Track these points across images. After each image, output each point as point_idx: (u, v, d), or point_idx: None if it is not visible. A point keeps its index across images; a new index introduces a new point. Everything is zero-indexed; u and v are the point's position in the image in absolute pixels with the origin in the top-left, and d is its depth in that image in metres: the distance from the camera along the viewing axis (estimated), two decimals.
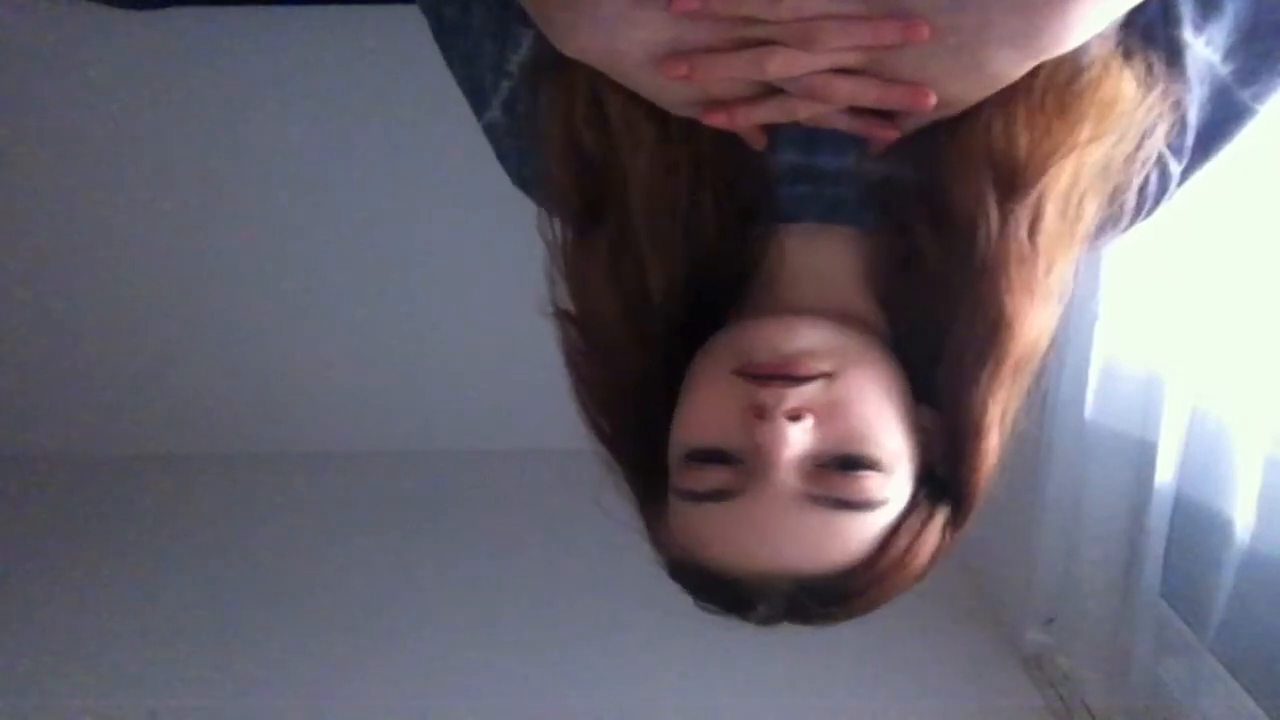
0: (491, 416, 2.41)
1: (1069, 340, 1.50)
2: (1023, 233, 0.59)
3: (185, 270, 2.39)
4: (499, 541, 2.15)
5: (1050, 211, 0.59)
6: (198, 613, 1.93)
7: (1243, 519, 1.27)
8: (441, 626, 1.89)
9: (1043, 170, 0.58)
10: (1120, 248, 1.40)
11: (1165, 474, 1.42)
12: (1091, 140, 0.58)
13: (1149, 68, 0.58)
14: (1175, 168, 0.64)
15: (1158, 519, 1.44)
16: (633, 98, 0.59)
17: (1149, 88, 0.58)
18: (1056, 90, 0.56)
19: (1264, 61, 0.60)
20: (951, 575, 1.93)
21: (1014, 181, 0.58)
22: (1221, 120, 0.62)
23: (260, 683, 1.74)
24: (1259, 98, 0.61)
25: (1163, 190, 0.65)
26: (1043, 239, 0.59)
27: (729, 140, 0.61)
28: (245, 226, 2.36)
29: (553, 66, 0.61)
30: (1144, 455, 1.45)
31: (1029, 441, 1.75)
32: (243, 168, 2.31)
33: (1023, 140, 0.57)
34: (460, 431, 2.44)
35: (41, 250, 2.36)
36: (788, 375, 0.58)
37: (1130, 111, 0.58)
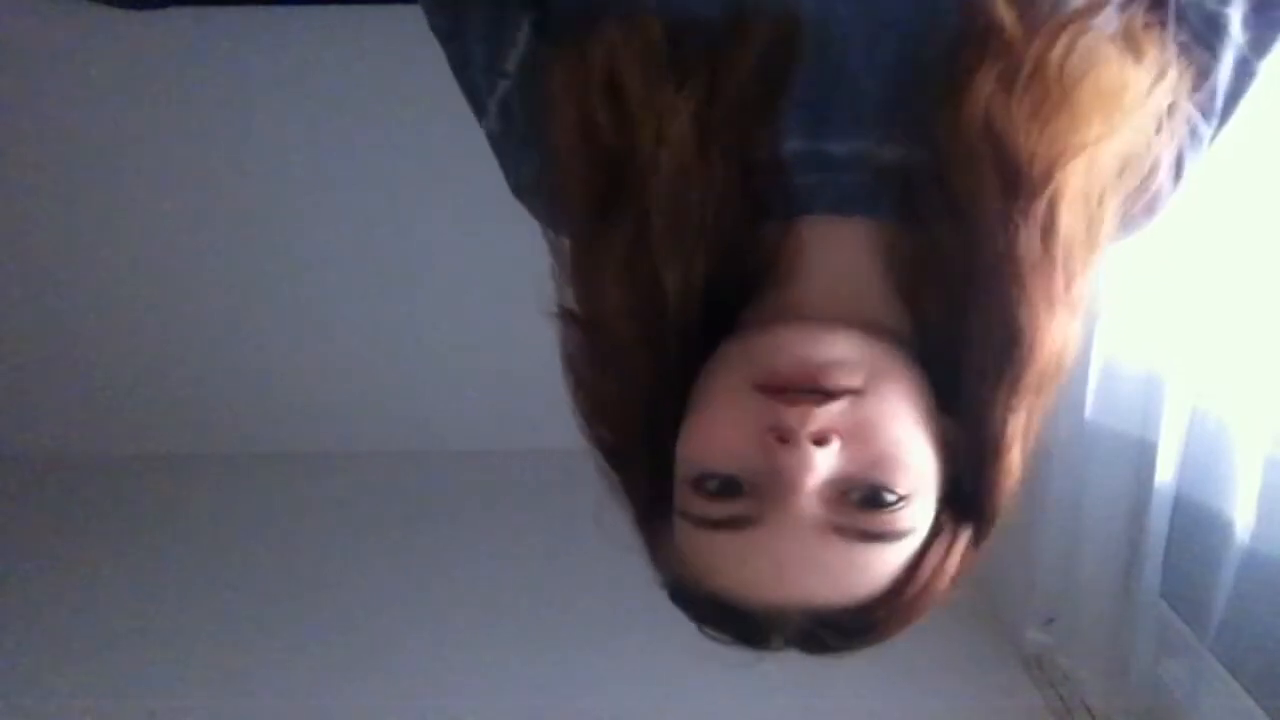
0: (491, 416, 2.41)
1: None
2: (1035, 241, 0.55)
3: (185, 270, 2.39)
4: (499, 541, 2.15)
5: (1065, 217, 0.56)
6: (198, 613, 1.93)
7: (1243, 519, 1.27)
8: (441, 626, 1.88)
9: (1050, 173, 0.55)
10: (1120, 247, 1.39)
11: (1165, 474, 1.42)
12: (1102, 137, 0.55)
13: (1164, 42, 0.57)
14: (1206, 130, 0.62)
15: (1158, 519, 1.44)
16: (657, 79, 0.56)
17: (1163, 68, 0.56)
18: (1053, 84, 0.54)
19: (1274, 29, 0.60)
20: None
21: (1019, 186, 0.55)
22: (1239, 87, 0.62)
23: (260, 683, 1.74)
24: (1264, 63, 0.62)
25: (1196, 159, 0.62)
26: (1059, 246, 0.56)
27: (747, 126, 0.58)
28: (245, 226, 2.36)
29: (562, 49, 0.58)
30: (1144, 455, 1.45)
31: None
32: (242, 168, 2.31)
33: (1023, 143, 0.54)
34: (460, 431, 2.44)
35: (41, 250, 2.36)
36: (815, 390, 0.53)
37: (1139, 100, 0.56)
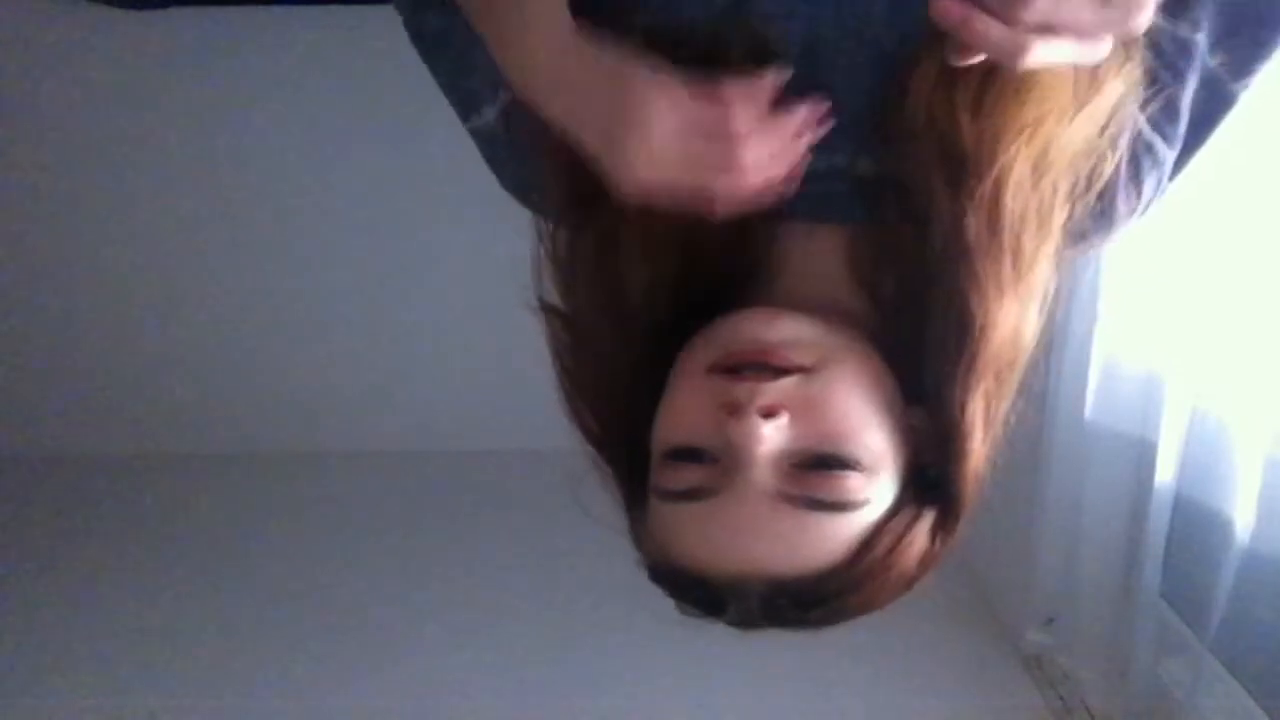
0: (491, 416, 2.41)
1: (1069, 340, 1.50)
2: (982, 225, 0.57)
3: (185, 270, 2.39)
4: (498, 541, 2.15)
5: (1011, 200, 0.57)
6: (198, 613, 1.93)
7: (1243, 519, 1.27)
8: (441, 626, 1.89)
9: (993, 155, 0.57)
10: (1120, 248, 1.40)
11: (1165, 474, 1.42)
12: (1042, 119, 0.56)
13: (1120, 54, 0.57)
14: (1168, 154, 0.62)
15: (1158, 519, 1.44)
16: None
17: (1113, 71, 0.57)
18: (995, 76, 0.55)
19: (1257, 51, 0.60)
20: (951, 575, 1.93)
21: (964, 170, 0.57)
22: (1213, 110, 0.62)
23: (261, 683, 1.74)
24: (1247, 87, 0.61)
25: (1157, 181, 0.63)
26: (1007, 230, 0.58)
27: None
28: (245, 226, 2.36)
29: None
30: (1144, 455, 1.45)
31: (1029, 441, 1.75)
32: (242, 168, 2.31)
33: (966, 127, 0.56)
34: (460, 431, 2.44)
35: (41, 250, 2.36)
36: (763, 365, 0.57)
37: (1083, 92, 0.57)
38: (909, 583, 0.62)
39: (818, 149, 0.62)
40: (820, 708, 1.66)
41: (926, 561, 0.62)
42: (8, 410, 2.45)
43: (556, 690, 1.72)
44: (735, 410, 0.56)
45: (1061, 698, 1.66)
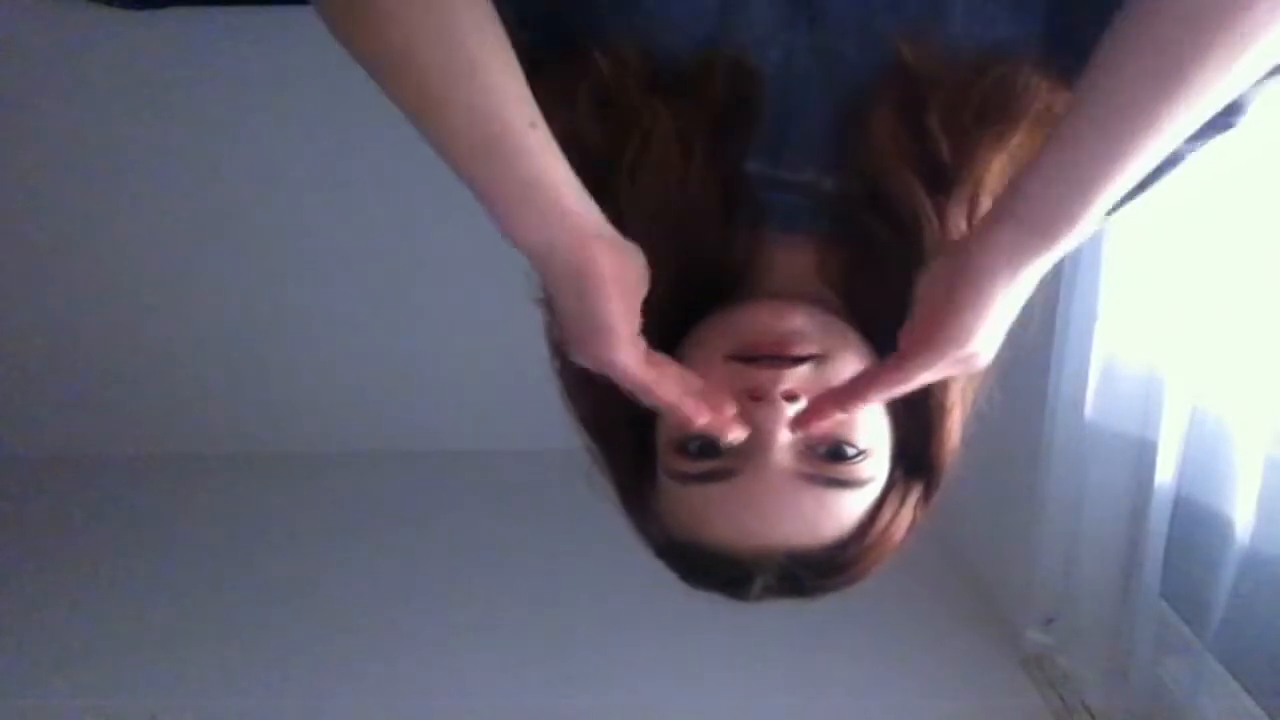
0: (491, 416, 2.41)
1: (1069, 340, 1.50)
2: (962, 223, 0.63)
3: (185, 270, 2.39)
4: (499, 541, 2.15)
5: (986, 204, 0.62)
6: (198, 613, 1.93)
7: (1243, 519, 1.27)
8: (441, 626, 1.89)
9: (971, 166, 0.62)
10: (1120, 247, 1.40)
11: (1165, 474, 1.42)
12: (1017, 142, 0.61)
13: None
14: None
15: (1158, 519, 1.44)
16: (642, 96, 0.61)
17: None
18: (967, 99, 0.60)
19: (1219, 123, 0.61)
20: (951, 575, 1.93)
21: (943, 178, 0.62)
22: (1161, 166, 0.64)
23: (260, 683, 1.74)
24: (1194, 149, 0.64)
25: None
26: None
27: (720, 144, 0.64)
28: (245, 227, 2.37)
29: (554, 67, 0.62)
30: (1144, 455, 1.45)
31: (1029, 441, 1.75)
32: (242, 168, 2.31)
33: (944, 145, 0.61)
34: (460, 431, 2.44)
35: (41, 250, 2.36)
36: (782, 355, 0.61)
37: (1050, 113, 0.61)
38: (899, 550, 0.67)
39: (792, 165, 0.67)
40: (820, 708, 1.66)
41: (913, 531, 0.67)
42: (8, 410, 2.45)
43: (557, 689, 1.72)
44: (760, 395, 0.60)
45: (1061, 698, 1.66)
